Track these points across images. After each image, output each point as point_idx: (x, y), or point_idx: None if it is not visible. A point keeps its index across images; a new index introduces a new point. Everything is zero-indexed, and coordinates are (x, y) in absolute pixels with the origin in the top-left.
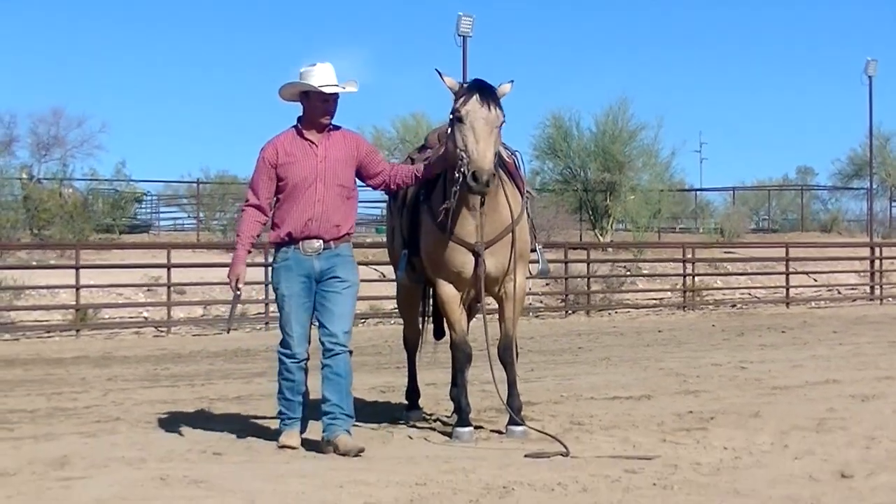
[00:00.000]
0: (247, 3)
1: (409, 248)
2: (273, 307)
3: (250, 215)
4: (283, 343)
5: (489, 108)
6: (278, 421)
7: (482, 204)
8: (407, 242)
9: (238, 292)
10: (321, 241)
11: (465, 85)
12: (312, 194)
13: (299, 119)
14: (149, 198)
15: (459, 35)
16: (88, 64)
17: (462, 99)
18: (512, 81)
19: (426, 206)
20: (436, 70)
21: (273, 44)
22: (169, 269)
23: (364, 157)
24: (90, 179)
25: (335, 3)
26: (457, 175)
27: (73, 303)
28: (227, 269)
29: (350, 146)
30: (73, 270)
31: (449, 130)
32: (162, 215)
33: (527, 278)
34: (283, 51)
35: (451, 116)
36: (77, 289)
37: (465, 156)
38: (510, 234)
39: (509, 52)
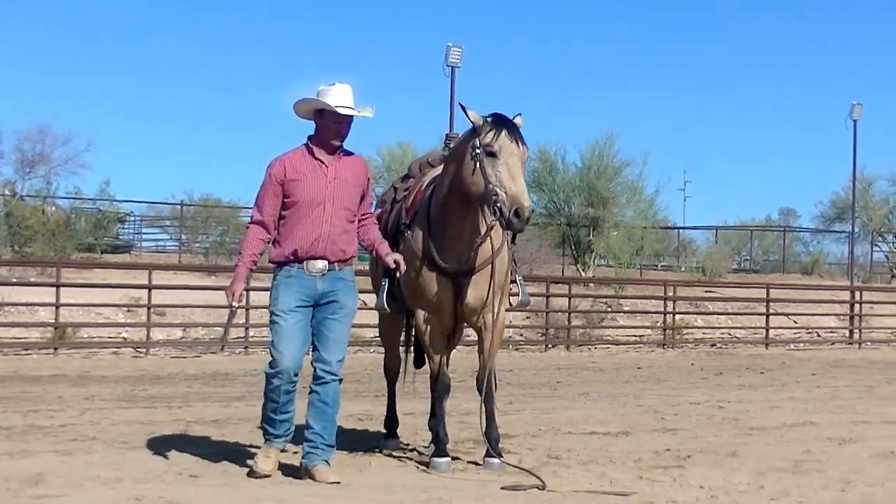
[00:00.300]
0: (237, 26)
1: (390, 276)
2: (253, 332)
3: (254, 233)
4: (274, 362)
5: (518, 144)
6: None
7: (459, 236)
8: (387, 271)
9: (234, 308)
10: (326, 262)
11: (488, 119)
12: (320, 214)
13: (310, 137)
14: (132, 218)
15: (448, 65)
16: (75, 82)
17: (492, 134)
18: (520, 114)
19: (408, 233)
20: (459, 104)
21: (262, 69)
22: (150, 291)
23: (364, 196)
24: (74, 198)
25: (324, 29)
26: (493, 210)
27: (53, 321)
28: (207, 290)
29: (360, 173)
30: (54, 288)
31: (476, 164)
32: (144, 236)
33: (507, 310)
34: (271, 76)
35: (477, 150)
36: (57, 307)
37: (499, 192)
38: (490, 265)
39: (497, 84)
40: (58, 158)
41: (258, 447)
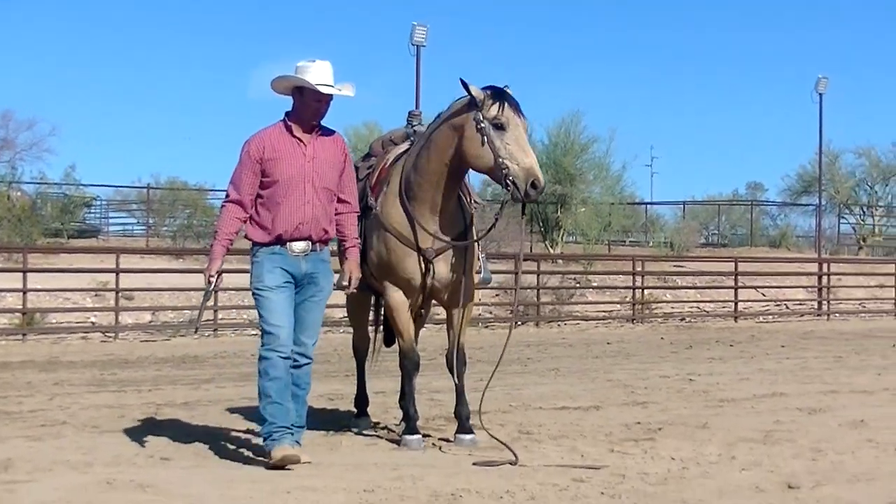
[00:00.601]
0: (200, 8)
1: None
2: (222, 314)
3: (231, 212)
4: (266, 340)
5: (521, 115)
6: (266, 436)
7: (442, 211)
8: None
9: (210, 288)
10: (309, 243)
11: (489, 92)
12: (301, 196)
13: (288, 114)
14: (98, 203)
15: (413, 45)
16: (38, 67)
17: (496, 107)
18: (507, 86)
19: (376, 210)
20: (460, 79)
21: (226, 50)
22: (117, 275)
23: (343, 173)
24: (39, 183)
25: (288, 10)
26: (504, 183)
27: (20, 307)
28: (176, 273)
29: (338, 152)
30: (21, 274)
31: (484, 138)
32: (111, 220)
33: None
34: (236, 57)
35: (482, 124)
36: (24, 293)
37: (510, 165)
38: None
39: (463, 62)
40: (22, 143)
41: (230, 429)
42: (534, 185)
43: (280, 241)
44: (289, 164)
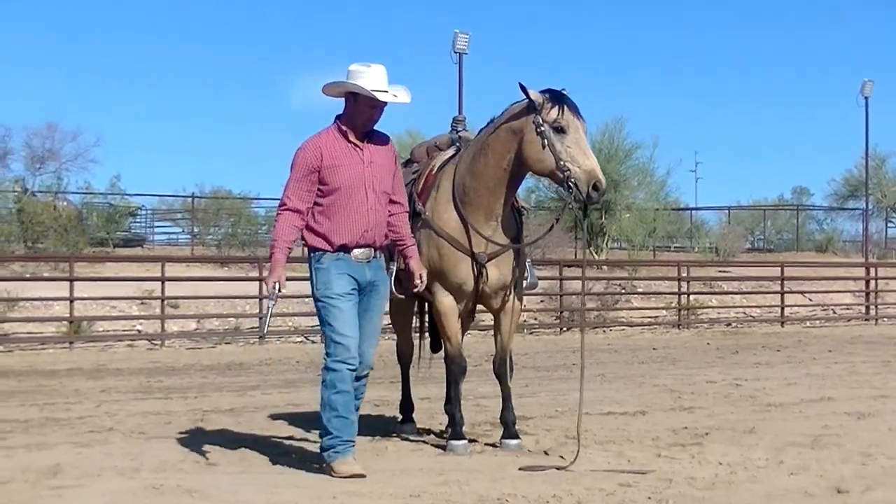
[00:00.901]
0: (242, 19)
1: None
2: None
3: (288, 219)
4: (335, 351)
5: (581, 118)
6: (328, 448)
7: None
8: (394, 256)
9: (275, 296)
10: (371, 250)
11: (547, 96)
12: (364, 202)
13: (340, 118)
14: (143, 212)
15: (455, 52)
16: (84, 78)
17: (556, 110)
18: (564, 90)
19: (426, 215)
20: (519, 84)
21: (270, 60)
22: (163, 283)
23: (394, 175)
24: (85, 193)
25: (330, 19)
26: (566, 186)
27: (67, 315)
28: (220, 281)
29: (391, 155)
30: (68, 283)
31: (545, 141)
32: (156, 229)
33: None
34: (279, 67)
35: (542, 127)
36: (71, 301)
37: (571, 167)
38: (518, 248)
39: (505, 70)
40: (67, 154)
41: (275, 435)
42: (595, 188)
43: (345, 248)
44: (349, 171)
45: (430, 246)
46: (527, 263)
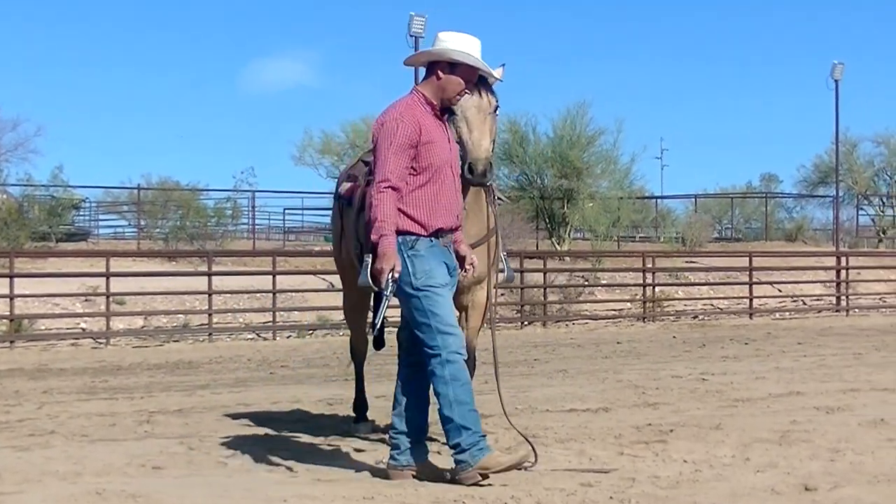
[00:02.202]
0: (190, 3)
1: (372, 252)
2: (218, 318)
3: (392, 199)
4: (448, 342)
5: (480, 94)
6: (470, 446)
7: (474, 202)
8: (369, 247)
9: (392, 288)
10: (452, 234)
11: None
12: (452, 183)
13: (421, 90)
14: (87, 205)
15: (411, 36)
16: (23, 66)
17: None
18: (503, 65)
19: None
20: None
21: (218, 46)
22: (108, 279)
23: None
24: (25, 185)
25: (282, 4)
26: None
27: (8, 313)
28: (168, 276)
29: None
30: (7, 280)
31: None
32: (101, 223)
33: (496, 287)
34: (225, 53)
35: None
36: (11, 298)
37: (461, 148)
38: (491, 238)
39: None
40: (6, 144)
41: (225, 436)
42: (470, 168)
43: (440, 232)
44: (441, 149)
45: None
46: (503, 257)
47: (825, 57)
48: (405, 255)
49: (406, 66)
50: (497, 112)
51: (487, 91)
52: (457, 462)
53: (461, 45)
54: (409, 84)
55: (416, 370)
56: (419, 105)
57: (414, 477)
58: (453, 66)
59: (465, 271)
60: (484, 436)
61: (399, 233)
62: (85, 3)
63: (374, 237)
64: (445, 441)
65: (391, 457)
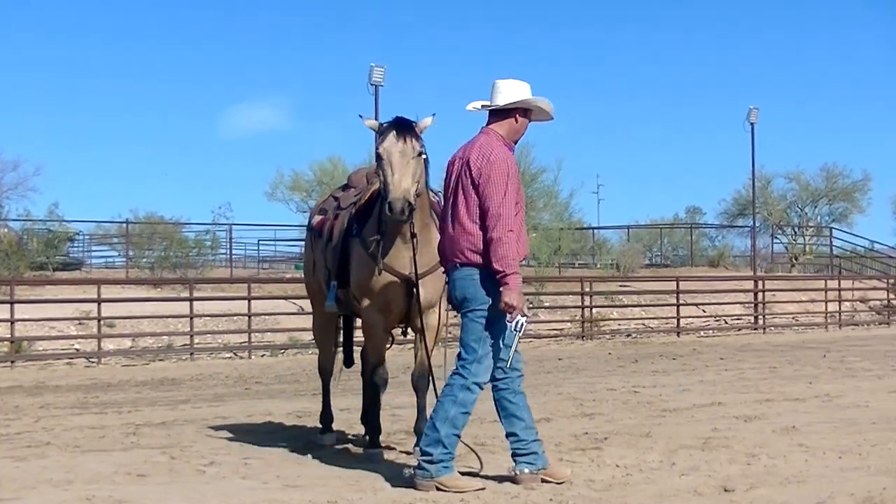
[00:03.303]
0: (171, 50)
1: (339, 280)
2: (199, 339)
3: (514, 238)
4: (481, 372)
5: (404, 140)
6: (439, 461)
7: (413, 236)
8: (335, 274)
9: (526, 319)
10: None
11: (384, 124)
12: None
13: (495, 130)
14: (81, 237)
15: (372, 84)
16: (23, 109)
17: (381, 137)
18: (434, 115)
19: (359, 238)
20: (359, 115)
21: (200, 93)
22: (99, 304)
23: None
24: (25, 220)
25: (255, 52)
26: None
27: (9, 336)
28: (154, 302)
29: None
30: (9, 305)
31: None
32: (93, 253)
33: (448, 310)
34: (209, 99)
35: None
36: (12, 322)
37: (383, 189)
38: (440, 268)
39: (421, 100)
40: (8, 183)
41: (204, 447)
42: (389, 207)
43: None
44: (520, 186)
45: (361, 266)
46: None
47: (742, 101)
48: (483, 285)
49: (479, 109)
50: (422, 156)
51: (412, 137)
52: (421, 467)
53: (529, 94)
54: (366, 132)
55: (514, 391)
56: (502, 143)
57: (543, 481)
58: (527, 112)
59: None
60: (453, 458)
61: (478, 266)
62: (80, 54)
63: (507, 272)
64: (416, 443)
65: (533, 462)
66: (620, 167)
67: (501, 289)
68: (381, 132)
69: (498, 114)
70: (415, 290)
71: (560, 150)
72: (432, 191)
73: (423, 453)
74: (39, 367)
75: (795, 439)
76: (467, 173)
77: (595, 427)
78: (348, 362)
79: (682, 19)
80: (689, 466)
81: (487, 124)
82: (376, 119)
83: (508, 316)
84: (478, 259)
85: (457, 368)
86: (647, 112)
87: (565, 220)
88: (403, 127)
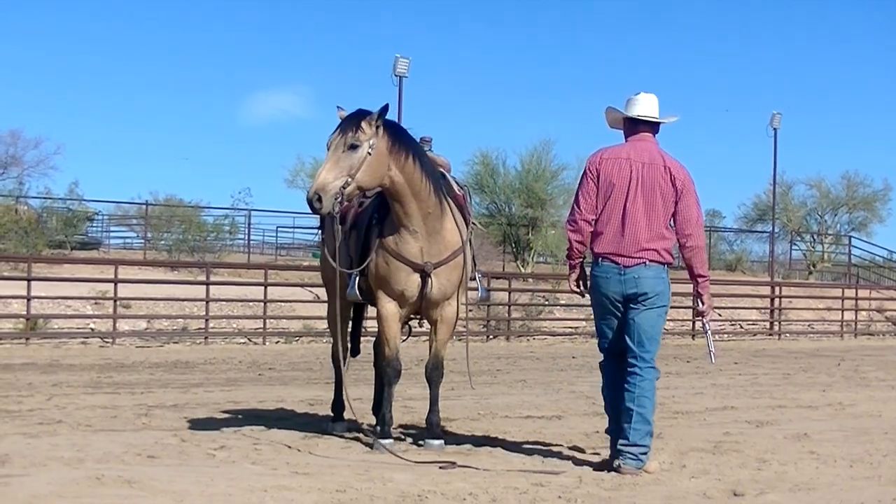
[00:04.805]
0: (197, 35)
1: (360, 267)
2: (214, 323)
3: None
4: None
5: (342, 133)
6: (647, 451)
7: (426, 225)
8: (357, 262)
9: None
10: None
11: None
12: None
13: (656, 141)
14: (100, 217)
15: (396, 75)
16: (46, 88)
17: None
18: (386, 105)
19: (377, 228)
20: (337, 106)
21: (223, 79)
22: (116, 284)
23: None
24: (45, 198)
25: (279, 39)
26: None
27: (24, 313)
28: (170, 284)
29: None
30: (25, 282)
31: None
32: (112, 234)
33: (467, 304)
34: (228, 85)
35: None
36: (28, 300)
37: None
38: (456, 259)
39: (443, 93)
40: (29, 161)
41: (215, 430)
42: (308, 200)
43: None
44: None
45: (376, 254)
46: (478, 277)
47: (766, 107)
48: (666, 282)
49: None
50: (357, 149)
51: (353, 130)
52: (635, 457)
53: (640, 104)
54: (392, 118)
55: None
56: None
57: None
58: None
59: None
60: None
61: (668, 264)
62: (105, 35)
63: (708, 277)
64: (428, 434)
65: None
66: None
67: (703, 291)
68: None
69: (653, 126)
70: (429, 280)
71: (582, 147)
72: (457, 183)
73: (636, 445)
74: (54, 345)
75: (807, 446)
76: (669, 180)
77: (606, 426)
78: (354, 351)
79: (708, 22)
80: (699, 469)
81: (637, 132)
82: (399, 111)
83: (707, 317)
84: (671, 260)
85: (647, 361)
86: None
87: None
88: (348, 120)
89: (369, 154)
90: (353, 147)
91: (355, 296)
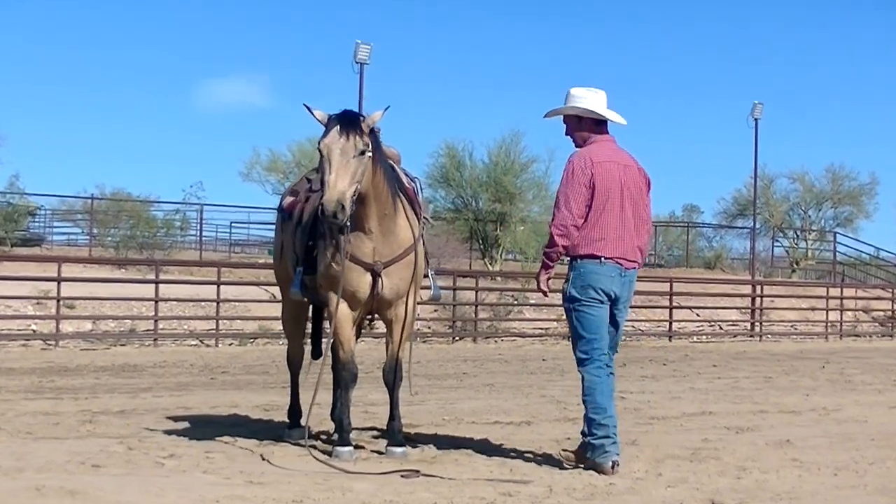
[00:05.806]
0: (147, 22)
1: (304, 266)
2: (164, 324)
3: None
4: None
5: (347, 137)
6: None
7: (381, 225)
8: (301, 260)
9: None
10: None
11: (331, 117)
12: None
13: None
14: (42, 212)
15: (357, 62)
16: None
17: (324, 132)
18: (387, 108)
19: (324, 226)
20: (304, 105)
21: (170, 61)
22: (59, 283)
23: None
24: None
25: (234, 24)
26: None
27: None
28: (117, 283)
29: None
30: None
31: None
32: (55, 230)
33: (419, 303)
34: (183, 71)
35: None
36: None
37: (321, 188)
38: (407, 257)
39: (407, 81)
40: None
41: (163, 438)
42: (323, 210)
43: None
44: None
45: (324, 254)
46: (430, 275)
47: (745, 98)
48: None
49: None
50: (365, 155)
51: (357, 134)
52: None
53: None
54: (353, 106)
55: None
56: None
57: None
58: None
59: None
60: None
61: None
62: (48, 20)
63: None
64: (389, 441)
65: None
66: None
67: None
68: (326, 125)
69: (604, 123)
70: (379, 279)
71: (552, 139)
72: (406, 175)
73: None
74: None
75: (789, 454)
76: (644, 182)
77: (579, 432)
78: (316, 354)
79: (685, 13)
80: (676, 478)
81: (602, 132)
82: (360, 99)
83: None
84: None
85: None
86: (644, 105)
87: None
88: (349, 122)
89: (370, 159)
90: (362, 153)
91: (298, 294)
